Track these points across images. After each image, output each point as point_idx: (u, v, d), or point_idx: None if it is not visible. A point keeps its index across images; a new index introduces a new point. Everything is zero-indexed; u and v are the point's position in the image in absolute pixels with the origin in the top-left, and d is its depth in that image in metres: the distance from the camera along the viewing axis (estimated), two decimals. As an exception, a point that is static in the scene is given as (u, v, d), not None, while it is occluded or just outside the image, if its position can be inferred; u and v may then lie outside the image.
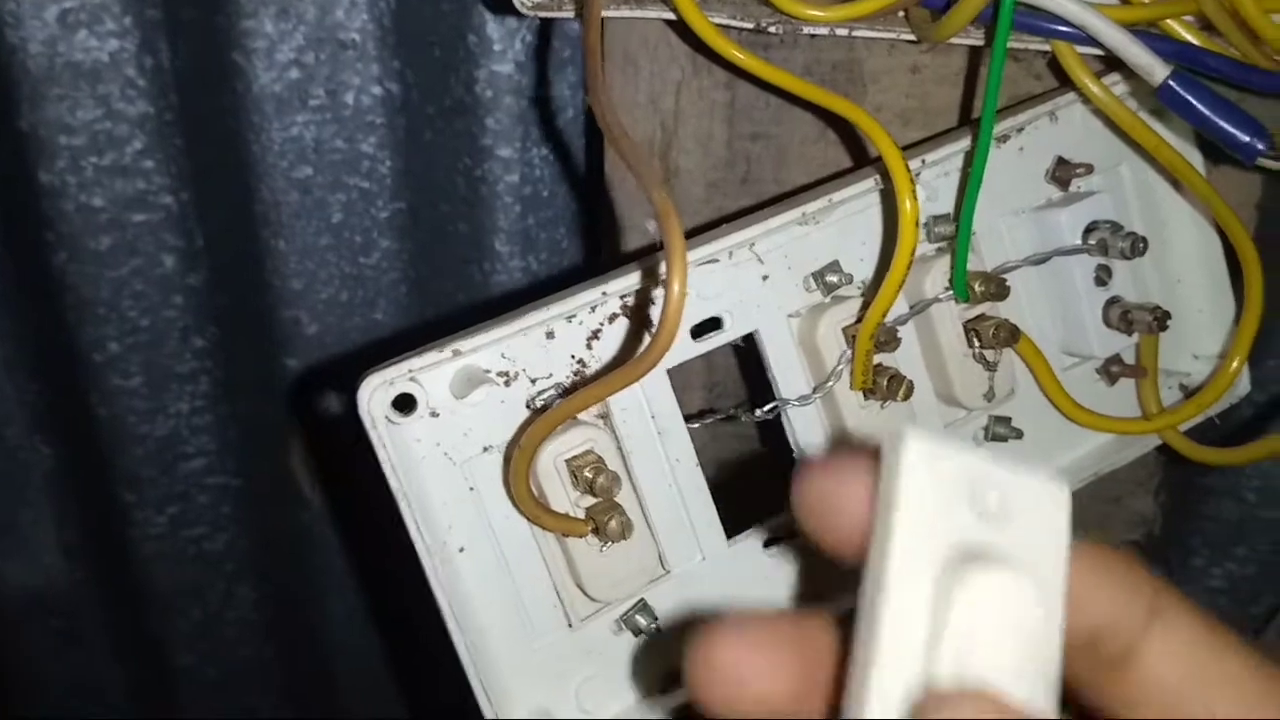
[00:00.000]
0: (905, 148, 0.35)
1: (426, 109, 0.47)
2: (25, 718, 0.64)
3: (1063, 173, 0.37)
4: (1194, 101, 0.32)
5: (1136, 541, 0.51)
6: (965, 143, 0.35)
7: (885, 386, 0.34)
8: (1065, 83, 0.37)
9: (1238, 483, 0.53)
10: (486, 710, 0.31)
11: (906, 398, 0.34)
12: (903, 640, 0.19)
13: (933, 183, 0.36)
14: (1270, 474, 0.53)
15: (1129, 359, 0.40)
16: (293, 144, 0.48)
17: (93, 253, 0.50)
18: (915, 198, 0.31)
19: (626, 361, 0.28)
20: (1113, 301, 0.38)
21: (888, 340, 0.34)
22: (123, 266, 0.50)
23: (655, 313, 0.32)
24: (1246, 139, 0.32)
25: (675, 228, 0.26)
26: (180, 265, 0.51)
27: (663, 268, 0.29)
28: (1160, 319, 0.37)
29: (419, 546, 0.30)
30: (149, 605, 0.60)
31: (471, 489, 0.31)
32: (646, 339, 0.32)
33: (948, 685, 0.19)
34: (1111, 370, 0.40)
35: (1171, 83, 0.32)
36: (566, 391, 0.31)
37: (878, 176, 0.34)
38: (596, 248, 0.48)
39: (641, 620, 0.33)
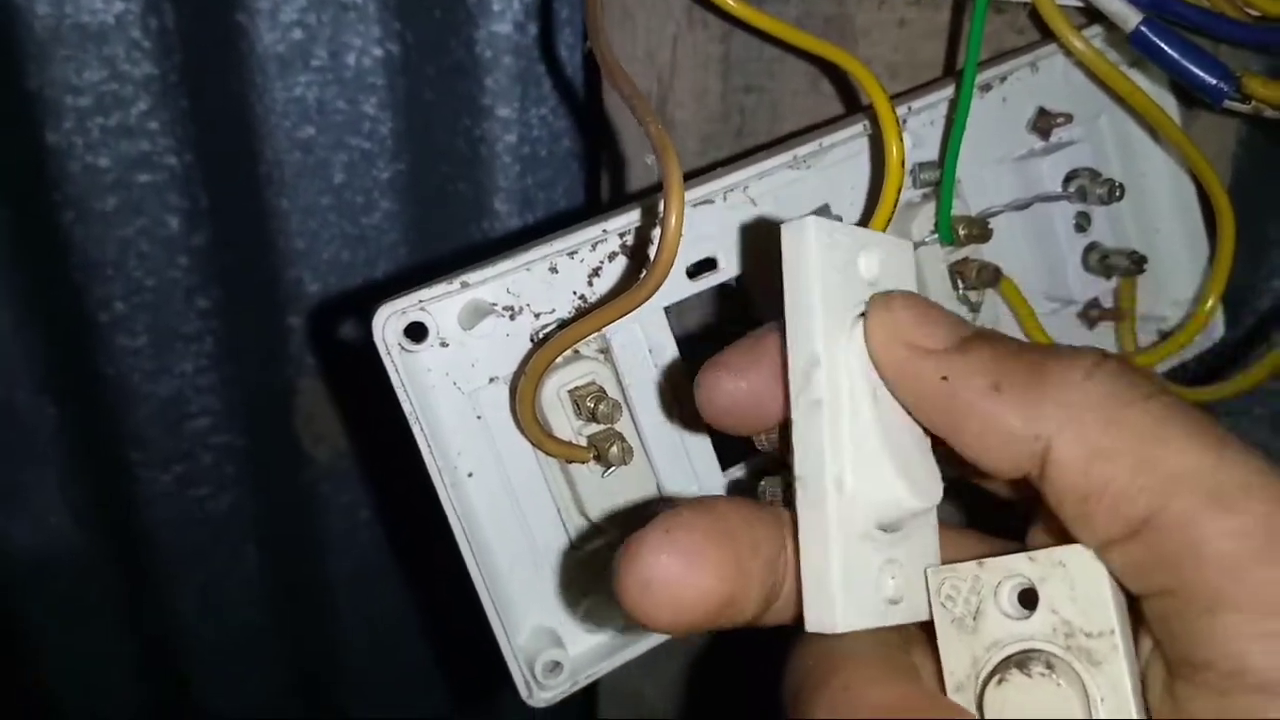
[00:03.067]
0: (893, 97, 0.37)
1: (426, 70, 0.49)
2: (29, 678, 0.65)
3: (1043, 123, 0.39)
4: (1164, 46, 0.33)
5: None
6: (950, 91, 0.37)
7: None
8: (1046, 36, 0.38)
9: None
10: (498, 629, 0.32)
11: None
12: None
13: (919, 131, 0.37)
14: (1248, 432, 0.55)
15: (1108, 304, 0.42)
16: (295, 104, 0.49)
17: (99, 213, 0.51)
18: (901, 140, 0.33)
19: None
20: (1091, 247, 0.40)
21: None
22: (128, 227, 0.51)
23: (652, 252, 0.33)
24: (1214, 82, 0.33)
25: (672, 159, 0.28)
26: (185, 226, 0.52)
27: (661, 205, 0.30)
28: (1137, 262, 0.39)
29: (431, 469, 0.31)
30: (154, 565, 0.61)
31: (479, 418, 0.32)
32: (644, 277, 0.33)
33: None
34: (1091, 314, 0.41)
35: (1143, 29, 0.33)
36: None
37: (866, 123, 0.36)
38: (596, 205, 0.49)
39: None
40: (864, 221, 0.36)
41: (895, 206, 0.33)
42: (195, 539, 0.60)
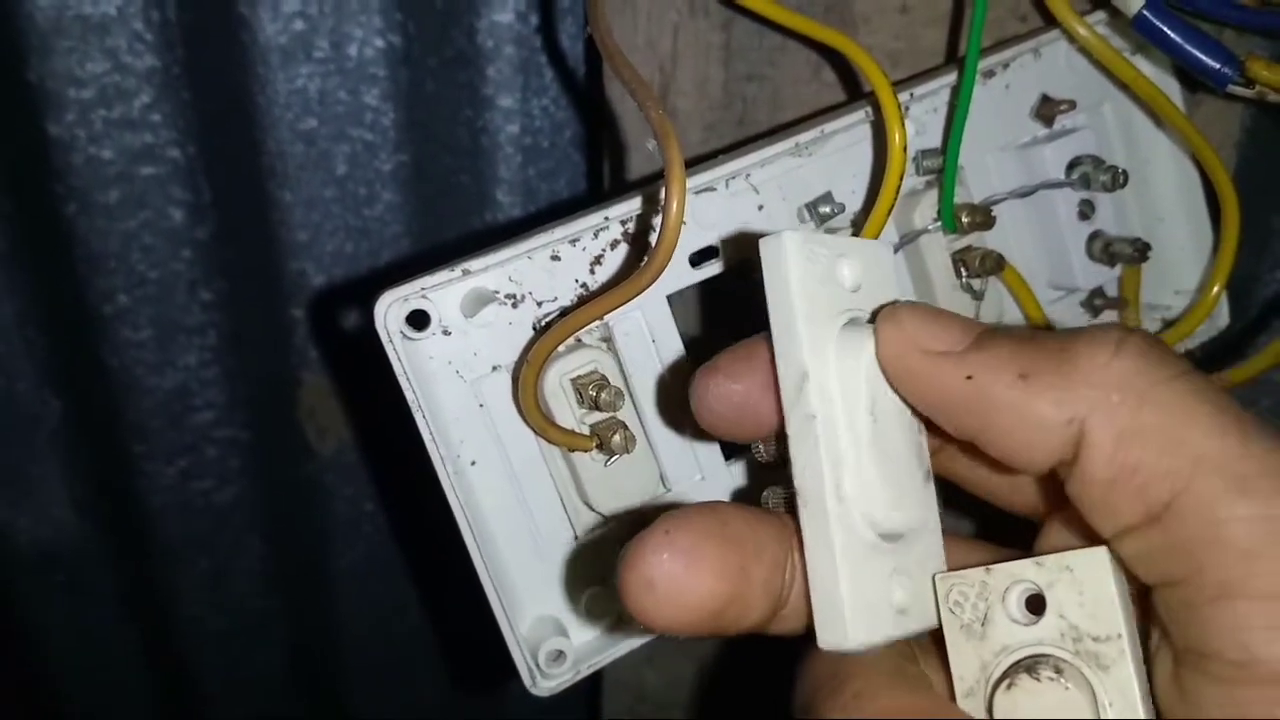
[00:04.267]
0: (895, 83, 0.37)
1: (428, 60, 0.49)
2: (33, 670, 0.65)
3: (1047, 109, 0.39)
4: (1167, 30, 0.33)
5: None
6: (952, 78, 0.37)
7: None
8: (1050, 22, 0.38)
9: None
10: (501, 617, 0.32)
11: None
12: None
13: (921, 118, 0.37)
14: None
15: (1112, 293, 0.41)
16: (297, 96, 0.49)
17: (102, 206, 0.51)
18: (904, 126, 0.33)
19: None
20: (1095, 235, 0.40)
21: None
22: (131, 219, 0.52)
23: (654, 240, 0.33)
24: (1217, 66, 0.33)
25: (674, 145, 0.28)
26: (188, 218, 0.52)
27: (663, 193, 0.30)
28: (1141, 250, 0.39)
29: (434, 458, 0.31)
30: (157, 557, 0.61)
31: (481, 406, 0.32)
32: (646, 263, 0.33)
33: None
34: (1095, 303, 0.41)
35: (1146, 13, 0.33)
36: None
37: (868, 109, 0.36)
38: (598, 196, 0.49)
39: None
40: (867, 208, 0.36)
41: (898, 193, 0.33)
42: (199, 531, 0.60)
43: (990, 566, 0.26)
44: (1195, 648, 0.23)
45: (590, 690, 0.59)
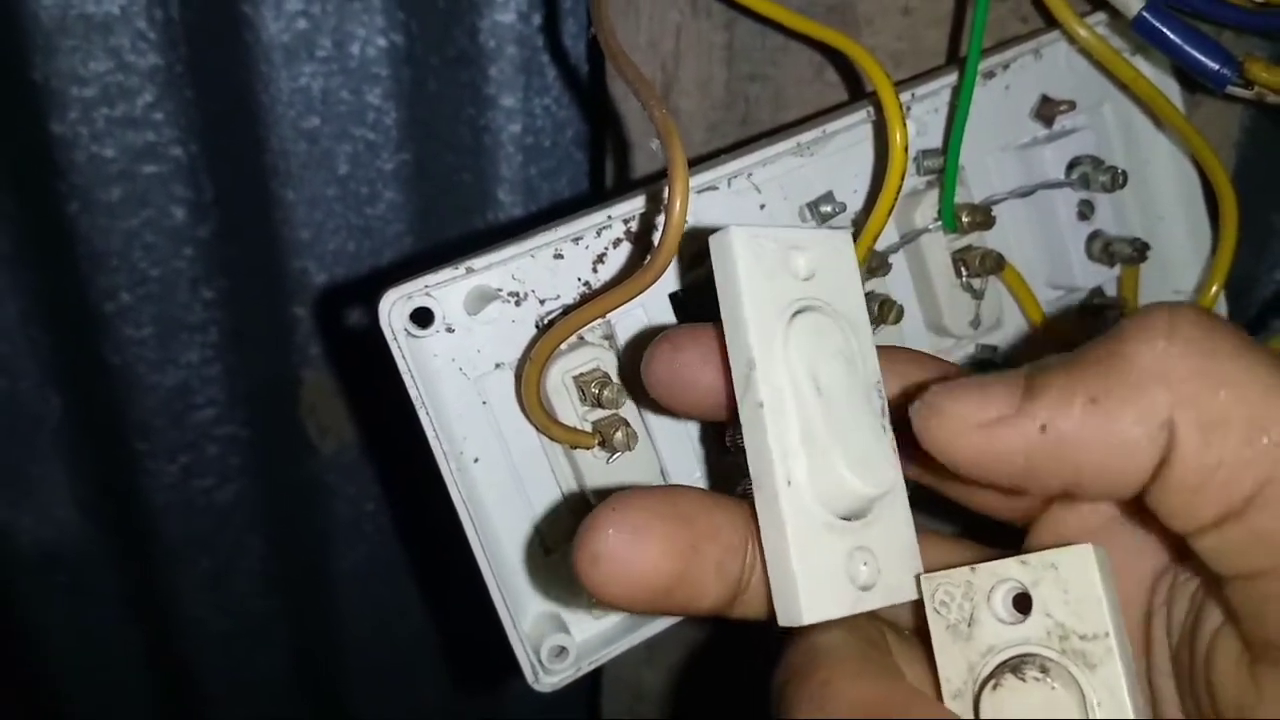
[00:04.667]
0: (896, 84, 0.37)
1: (431, 60, 0.49)
2: (34, 670, 0.65)
3: (1047, 110, 0.39)
4: (1167, 31, 0.33)
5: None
6: (953, 78, 0.37)
7: (876, 311, 0.36)
8: (1050, 23, 0.38)
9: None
10: (504, 613, 0.32)
11: (897, 321, 0.36)
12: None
13: (922, 118, 0.37)
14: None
15: (1111, 293, 0.42)
16: (300, 95, 0.49)
17: (104, 204, 0.51)
18: (905, 126, 0.33)
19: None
20: (1095, 235, 0.40)
21: (879, 266, 0.36)
22: (133, 217, 0.52)
23: (656, 238, 0.33)
24: (1216, 67, 0.33)
25: (676, 144, 0.28)
26: (190, 217, 0.52)
27: (665, 192, 0.30)
28: (1140, 249, 0.39)
29: (437, 455, 0.31)
30: (159, 556, 0.62)
31: (485, 403, 0.33)
32: (649, 261, 0.33)
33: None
34: (1095, 302, 0.41)
35: (1146, 14, 0.33)
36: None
37: (870, 109, 0.36)
38: (600, 195, 0.49)
39: None
40: (868, 207, 0.37)
41: (899, 192, 0.33)
42: (200, 529, 0.60)
43: (975, 566, 0.26)
44: (1276, 641, 0.22)
45: (590, 689, 0.59)
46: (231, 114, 0.49)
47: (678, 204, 0.28)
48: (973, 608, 0.26)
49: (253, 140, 0.50)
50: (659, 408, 0.34)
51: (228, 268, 0.54)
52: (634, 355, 0.34)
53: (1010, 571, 0.26)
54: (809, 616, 0.25)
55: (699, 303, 0.34)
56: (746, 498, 0.27)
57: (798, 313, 0.27)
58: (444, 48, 0.48)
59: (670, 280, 0.34)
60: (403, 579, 0.64)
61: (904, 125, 0.33)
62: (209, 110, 0.50)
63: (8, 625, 0.63)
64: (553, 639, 0.33)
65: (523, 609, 0.34)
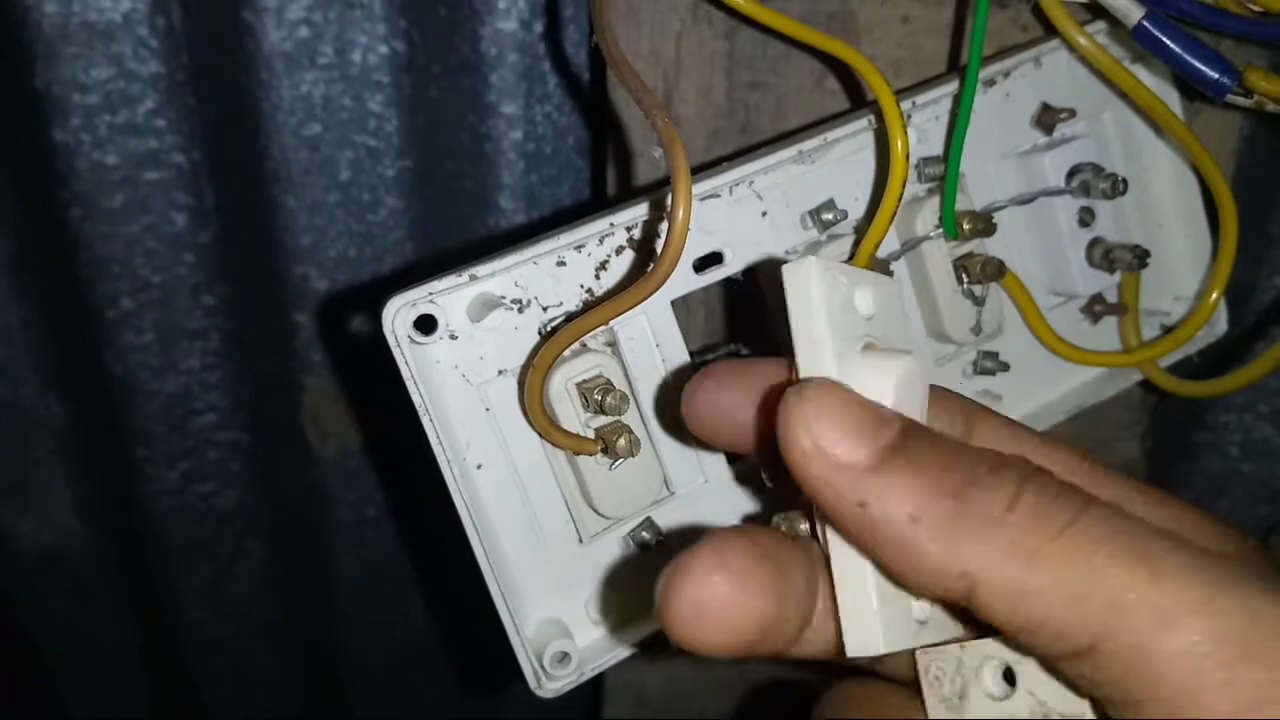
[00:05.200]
0: (897, 91, 0.37)
1: (432, 67, 0.49)
2: (34, 673, 0.65)
3: (1047, 118, 0.39)
4: (1167, 41, 0.33)
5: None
6: (954, 86, 0.37)
7: None
8: (1051, 32, 0.39)
9: (1221, 437, 0.56)
10: (506, 619, 0.33)
11: None
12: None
13: (923, 126, 0.37)
14: (1251, 428, 0.55)
15: (1112, 299, 0.42)
16: (302, 102, 0.49)
17: (106, 210, 0.51)
18: (906, 134, 0.33)
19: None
20: (1095, 242, 0.40)
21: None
22: (135, 224, 0.52)
23: (659, 246, 0.33)
24: (1216, 76, 0.33)
25: (679, 152, 0.28)
26: (191, 223, 0.52)
27: (668, 199, 0.30)
28: (1140, 256, 0.39)
29: (440, 461, 0.31)
30: (159, 562, 0.62)
31: (488, 410, 0.33)
32: (652, 269, 0.33)
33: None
34: (1095, 309, 0.41)
35: (1146, 23, 0.34)
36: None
37: (871, 118, 0.36)
38: (602, 202, 0.49)
39: (647, 536, 0.35)
40: (869, 215, 0.37)
41: (900, 201, 0.33)
42: (201, 535, 0.60)
43: (965, 643, 0.27)
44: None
45: (592, 693, 0.59)
46: (233, 121, 0.50)
47: (681, 213, 0.28)
48: (964, 683, 0.27)
49: (254, 147, 0.50)
50: (660, 414, 0.35)
51: (229, 274, 0.54)
52: (640, 363, 0.34)
53: (994, 651, 0.26)
54: (885, 646, 0.25)
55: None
56: (791, 534, 0.27)
57: (864, 348, 0.27)
58: (445, 55, 0.48)
59: (672, 287, 0.34)
60: (403, 584, 0.64)
61: (905, 133, 0.33)
62: (210, 117, 0.50)
63: (8, 629, 0.63)
64: (556, 644, 0.33)
65: (525, 614, 0.34)
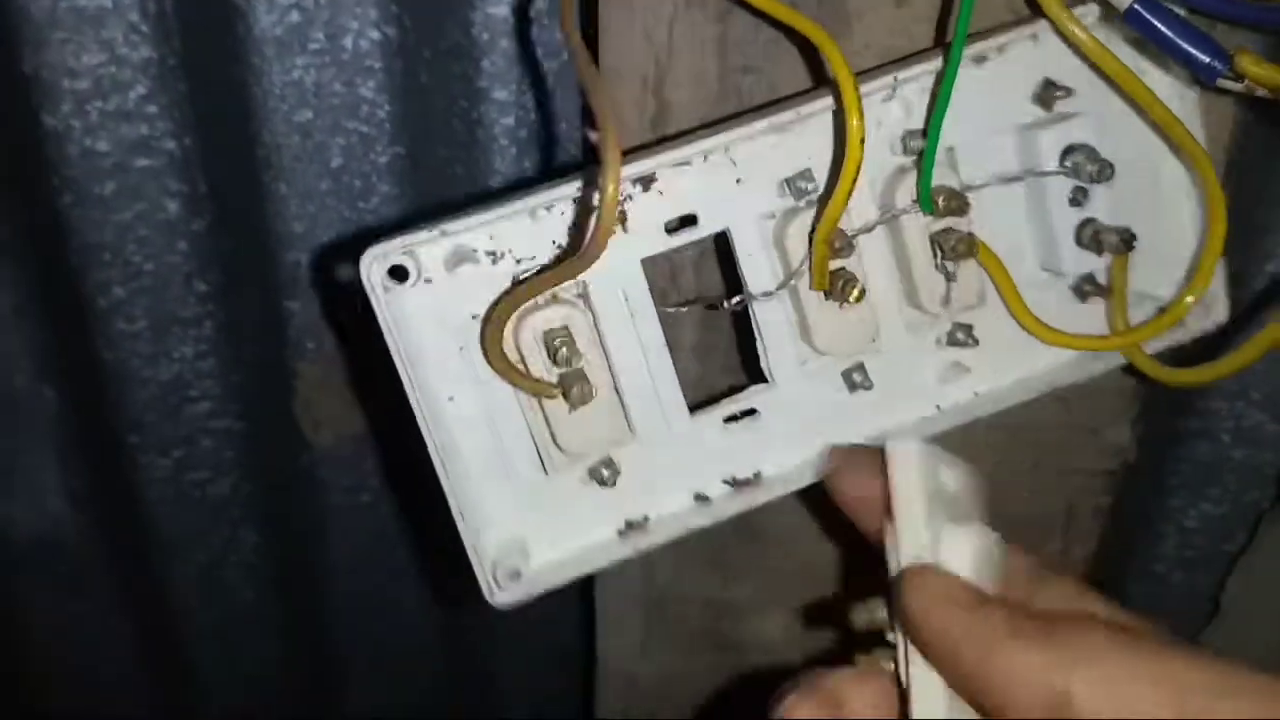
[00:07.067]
0: (886, 64, 0.38)
1: (423, 52, 0.49)
2: (26, 661, 0.65)
3: (1046, 94, 0.39)
4: (1157, 24, 0.33)
5: (1113, 471, 0.53)
6: (939, 62, 0.37)
7: (840, 289, 0.37)
8: (1039, 15, 0.38)
9: (1213, 424, 0.56)
10: (466, 536, 0.36)
11: (858, 300, 0.37)
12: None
13: (910, 99, 0.37)
14: (1243, 414, 0.55)
15: (1103, 280, 0.42)
16: (293, 87, 0.49)
17: (97, 197, 0.51)
18: (861, 115, 0.33)
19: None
20: (1086, 222, 0.40)
21: (843, 247, 0.37)
22: (127, 211, 0.52)
23: (593, 221, 0.34)
24: (1207, 60, 0.33)
25: (610, 128, 0.29)
26: (184, 210, 0.52)
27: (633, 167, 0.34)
28: (1127, 240, 0.39)
29: (410, 394, 0.34)
30: (152, 549, 0.62)
31: (461, 348, 0.35)
32: (619, 231, 0.36)
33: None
34: (1084, 289, 0.41)
35: (1137, 6, 0.33)
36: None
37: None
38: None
39: (606, 473, 0.38)
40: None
41: (854, 180, 0.34)
42: (194, 523, 0.60)
43: None
44: None
45: (584, 684, 0.59)
46: (225, 107, 0.49)
47: (609, 189, 0.29)
48: None
49: (246, 133, 0.50)
50: (627, 363, 0.37)
51: (221, 261, 0.54)
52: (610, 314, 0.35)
53: None
54: None
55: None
56: (873, 669, 0.33)
57: (948, 522, 0.32)
58: (437, 40, 0.48)
59: (643, 246, 0.37)
60: (397, 572, 0.64)
61: (861, 115, 0.33)
62: (202, 103, 0.50)
63: (0, 616, 0.63)
64: (510, 560, 0.36)
65: (486, 531, 0.37)
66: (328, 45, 0.48)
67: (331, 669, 0.68)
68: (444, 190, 0.52)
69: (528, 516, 0.38)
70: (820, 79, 0.41)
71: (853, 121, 0.33)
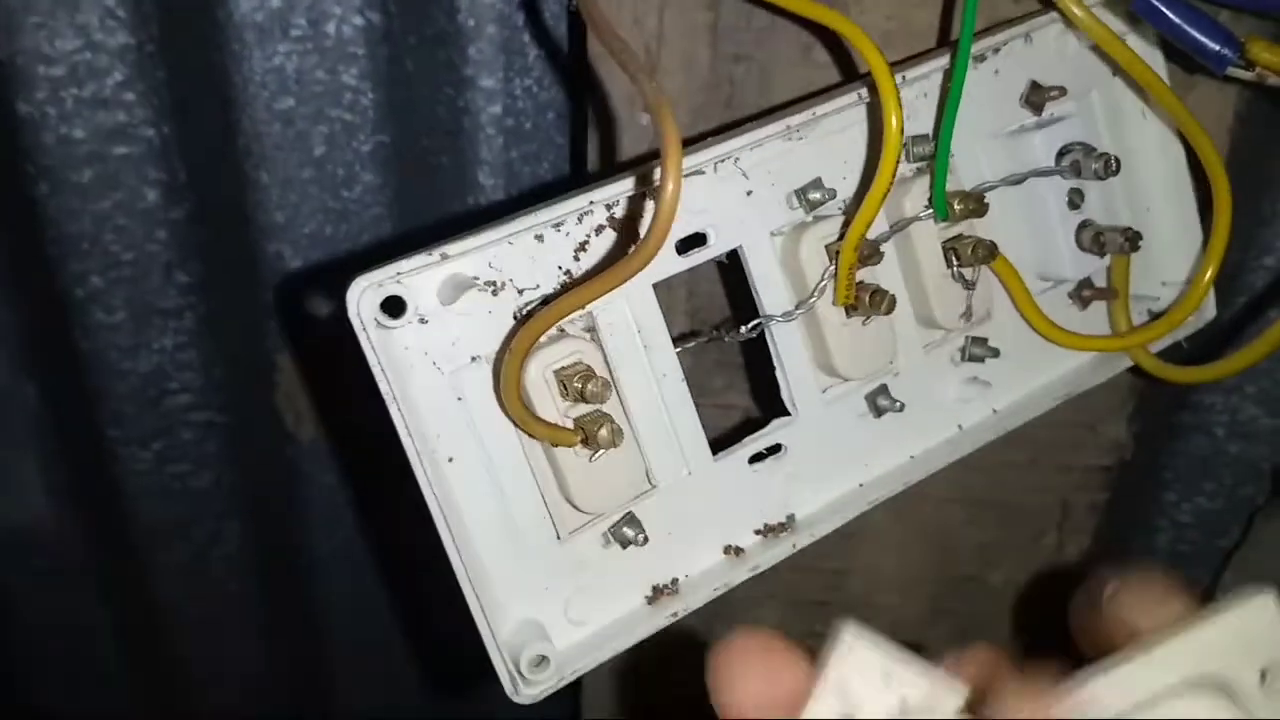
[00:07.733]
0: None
1: (408, 39, 0.47)
2: (7, 656, 0.65)
3: (1036, 96, 0.38)
4: (1166, 11, 0.32)
5: (1109, 467, 0.52)
6: (943, 61, 0.36)
7: (868, 301, 0.35)
8: (1045, 3, 0.37)
9: (1207, 419, 0.55)
10: (481, 622, 0.31)
11: (889, 311, 0.35)
12: None
13: (912, 102, 0.36)
14: (1238, 409, 0.55)
15: (1100, 284, 0.41)
16: (274, 75, 0.48)
17: (74, 186, 0.50)
18: (900, 109, 0.32)
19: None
20: (1085, 225, 0.39)
21: (871, 254, 0.35)
22: (104, 200, 0.50)
23: (643, 225, 0.32)
24: (1216, 48, 0.32)
25: (668, 116, 0.27)
26: (163, 199, 0.51)
27: (655, 174, 0.29)
28: (1131, 239, 0.38)
29: (410, 452, 0.30)
30: (134, 543, 0.61)
31: (460, 399, 0.31)
32: (637, 247, 0.32)
33: None
34: (1084, 294, 0.41)
35: (1145, -5, 0.32)
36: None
37: (861, 92, 0.35)
38: (581, 179, 0.48)
39: (629, 532, 0.34)
40: (859, 195, 0.36)
41: (894, 178, 0.32)
42: (175, 515, 0.59)
43: None
44: None
45: (573, 682, 0.58)
46: (204, 94, 0.48)
47: (670, 183, 0.27)
48: None
49: (226, 121, 0.49)
50: (641, 402, 0.34)
51: (202, 251, 0.52)
52: (621, 349, 0.33)
53: None
54: None
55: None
56: None
57: None
58: (422, 27, 0.47)
59: (654, 269, 0.33)
60: (381, 565, 0.63)
61: (900, 110, 0.32)
62: (181, 90, 0.48)
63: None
64: (533, 647, 0.32)
65: (501, 616, 0.33)
66: (310, 31, 0.47)
67: (317, 663, 0.67)
68: (429, 180, 0.50)
69: (543, 592, 0.33)
70: (814, 69, 0.40)
71: (892, 118, 0.31)
